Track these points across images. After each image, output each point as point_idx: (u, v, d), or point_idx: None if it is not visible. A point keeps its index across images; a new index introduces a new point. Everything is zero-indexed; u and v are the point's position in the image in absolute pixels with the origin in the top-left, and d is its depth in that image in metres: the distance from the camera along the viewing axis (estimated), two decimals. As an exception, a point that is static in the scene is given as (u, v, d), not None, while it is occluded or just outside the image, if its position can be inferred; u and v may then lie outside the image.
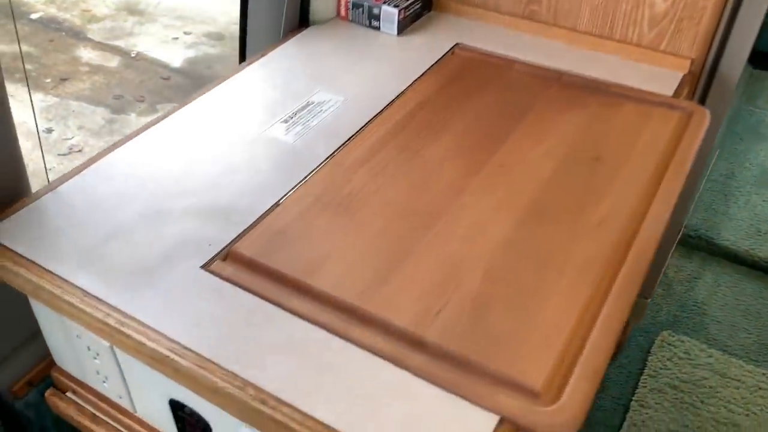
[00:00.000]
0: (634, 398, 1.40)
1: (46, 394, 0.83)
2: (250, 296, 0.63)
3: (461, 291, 0.64)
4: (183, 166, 0.78)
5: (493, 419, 0.53)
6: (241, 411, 0.56)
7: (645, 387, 1.42)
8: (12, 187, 0.74)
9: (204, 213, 0.72)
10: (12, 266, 0.66)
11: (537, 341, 0.59)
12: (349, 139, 0.83)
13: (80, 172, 0.77)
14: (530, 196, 0.74)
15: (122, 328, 0.61)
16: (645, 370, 1.45)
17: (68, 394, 0.83)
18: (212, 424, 0.66)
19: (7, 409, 0.85)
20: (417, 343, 0.60)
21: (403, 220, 0.72)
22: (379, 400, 0.55)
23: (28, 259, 0.67)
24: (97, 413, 0.81)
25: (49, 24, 2.87)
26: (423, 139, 0.83)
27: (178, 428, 0.71)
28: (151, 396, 0.70)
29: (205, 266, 0.66)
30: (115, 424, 0.79)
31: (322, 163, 0.79)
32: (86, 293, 0.63)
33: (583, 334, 0.59)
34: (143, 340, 0.60)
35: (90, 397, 0.79)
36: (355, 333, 0.60)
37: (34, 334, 0.87)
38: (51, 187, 0.75)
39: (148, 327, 0.60)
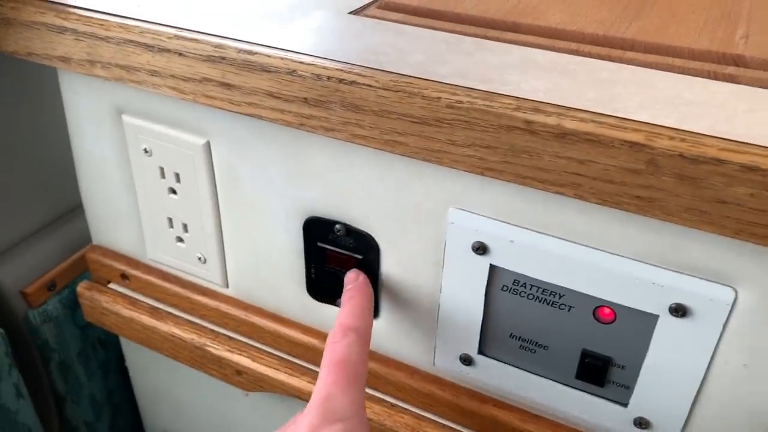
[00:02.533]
0: None
1: (79, 289, 0.56)
2: (442, 33, 0.40)
3: (761, 23, 0.42)
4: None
5: None
6: (492, 135, 0.32)
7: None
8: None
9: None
10: (56, 18, 0.42)
11: None
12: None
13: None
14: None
15: (252, 58, 0.37)
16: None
17: (112, 285, 0.57)
18: (379, 237, 0.41)
19: (14, 323, 0.58)
20: (735, 62, 0.37)
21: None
22: (727, 107, 0.32)
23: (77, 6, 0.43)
24: (159, 304, 0.54)
25: None
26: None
27: (311, 280, 0.45)
28: (267, 230, 0.45)
29: (358, 12, 0.44)
30: (187, 316, 0.53)
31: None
32: (180, 28, 0.40)
33: None
34: (281, 65, 0.36)
35: (148, 279, 0.53)
36: (631, 56, 0.38)
37: (62, 214, 0.62)
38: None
39: (294, 51, 0.37)
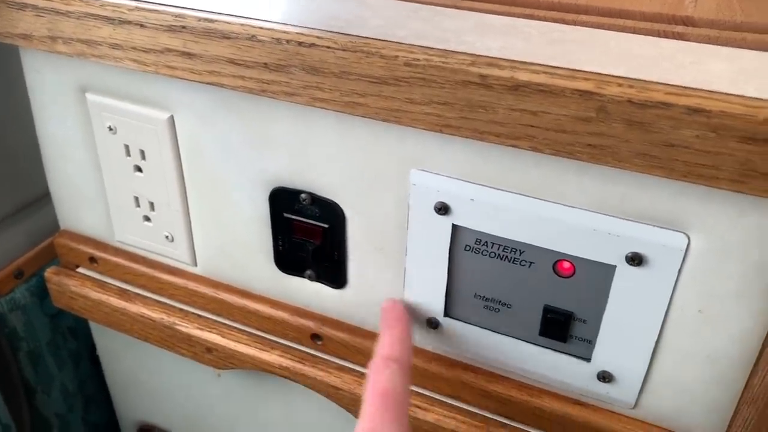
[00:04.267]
0: None
1: (47, 274, 0.56)
2: (401, 2, 0.41)
3: (708, -12, 0.44)
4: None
5: None
6: (449, 91, 0.33)
7: None
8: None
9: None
10: (16, -4, 0.42)
11: None
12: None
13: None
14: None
15: (213, 26, 0.37)
16: None
17: (80, 269, 0.56)
18: (344, 204, 0.42)
19: (-18, 312, 0.58)
20: (684, 22, 0.38)
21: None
22: (675, 60, 0.33)
23: (41, -15, 0.43)
24: (128, 286, 0.54)
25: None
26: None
27: (279, 252, 0.46)
28: (233, 203, 0.45)
29: (318, -14, 0.44)
30: (156, 296, 0.53)
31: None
32: (140, 0, 0.40)
33: None
34: (241, 30, 0.36)
35: (116, 261, 0.53)
36: (584, 19, 0.39)
37: (30, 203, 0.61)
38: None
39: (254, 18, 0.37)
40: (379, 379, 0.36)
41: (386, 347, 0.39)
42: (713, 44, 0.35)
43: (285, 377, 0.49)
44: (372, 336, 0.46)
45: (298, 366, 0.48)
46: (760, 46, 0.35)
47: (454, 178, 0.37)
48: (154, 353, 0.59)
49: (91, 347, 0.64)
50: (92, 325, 0.62)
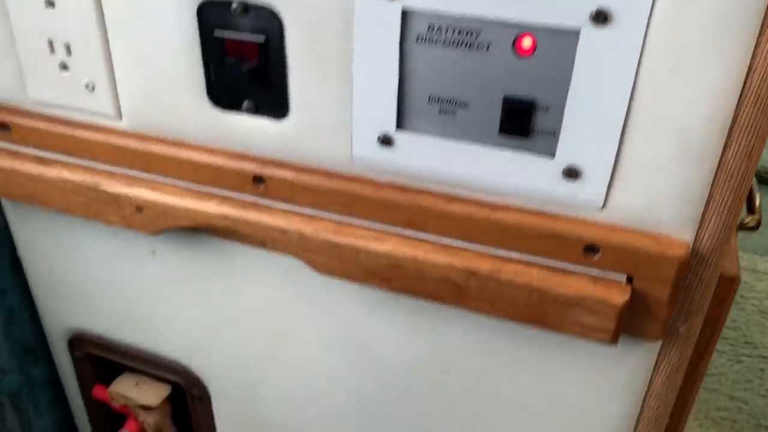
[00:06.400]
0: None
1: (-48, 148, 0.50)
2: None
3: None
4: None
5: None
6: None
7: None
8: None
9: None
10: None
11: None
12: None
13: None
14: None
15: None
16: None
17: (-7, 142, 0.51)
18: (280, 7, 0.38)
19: None
20: None
21: None
22: None
23: None
24: (46, 153, 0.49)
25: None
26: None
27: (211, 82, 0.41)
28: (157, 31, 0.40)
29: None
30: (78, 160, 0.48)
31: None
32: None
33: None
34: None
35: (32, 125, 0.48)
36: None
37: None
38: None
39: None
40: None
41: None
42: None
43: (226, 228, 0.44)
44: (320, 172, 0.42)
45: (240, 213, 0.44)
46: None
47: (401, -49, 0.34)
48: (81, 243, 0.54)
49: (11, 249, 0.59)
50: (11, 218, 0.56)
